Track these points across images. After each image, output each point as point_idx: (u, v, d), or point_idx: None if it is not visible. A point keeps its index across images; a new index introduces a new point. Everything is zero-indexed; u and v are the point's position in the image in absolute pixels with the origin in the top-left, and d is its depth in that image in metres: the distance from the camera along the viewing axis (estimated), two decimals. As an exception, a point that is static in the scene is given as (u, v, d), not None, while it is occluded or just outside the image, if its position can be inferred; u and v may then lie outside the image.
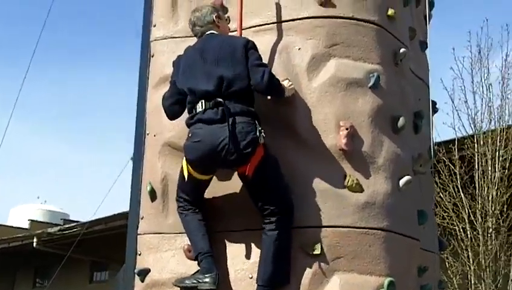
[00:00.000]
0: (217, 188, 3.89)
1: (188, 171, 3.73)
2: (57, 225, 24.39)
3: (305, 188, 3.75)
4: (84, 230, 16.64)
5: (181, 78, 3.82)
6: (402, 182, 3.91)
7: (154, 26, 4.50)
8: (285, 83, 3.84)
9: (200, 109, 3.66)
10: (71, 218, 27.77)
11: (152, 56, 4.46)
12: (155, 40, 4.47)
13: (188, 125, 3.74)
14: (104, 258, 21.33)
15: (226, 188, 3.88)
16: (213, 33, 3.89)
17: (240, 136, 3.54)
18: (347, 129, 3.80)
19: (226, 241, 3.84)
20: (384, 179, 3.83)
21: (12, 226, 26.81)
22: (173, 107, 3.90)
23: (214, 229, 3.82)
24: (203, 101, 3.65)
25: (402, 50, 4.23)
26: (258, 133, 3.57)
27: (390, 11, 4.21)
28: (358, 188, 3.75)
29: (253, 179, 3.59)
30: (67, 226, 20.15)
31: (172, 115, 3.95)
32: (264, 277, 3.58)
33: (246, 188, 3.72)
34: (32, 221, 27.06)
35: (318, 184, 3.76)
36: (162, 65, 4.36)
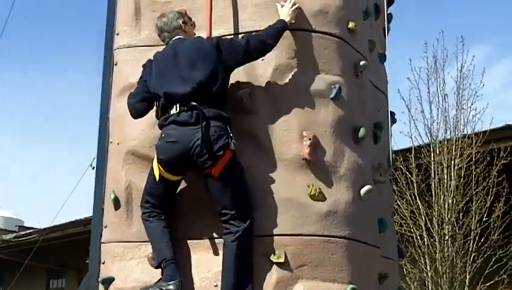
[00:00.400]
0: (183, 196, 3.92)
1: (159, 172, 3.76)
2: (11, 231, 23.94)
3: (269, 197, 3.81)
4: (42, 237, 16.43)
5: (154, 82, 3.86)
6: (363, 191, 4.00)
7: (118, 34, 4.51)
8: (285, 7, 3.97)
9: (175, 112, 3.72)
10: (25, 224, 27.25)
11: (115, 64, 4.47)
12: (118, 48, 4.48)
13: (161, 126, 3.79)
14: (60, 265, 21.04)
15: (192, 196, 3.90)
16: (181, 38, 3.95)
17: (212, 139, 3.62)
18: (310, 139, 3.88)
19: (190, 249, 3.86)
20: (345, 188, 3.92)
21: (-37, 233, 26.13)
22: (139, 104, 3.94)
23: (179, 237, 3.85)
24: (178, 104, 3.72)
25: (362, 62, 4.34)
26: (229, 139, 3.65)
27: (351, 24, 4.31)
28: (320, 197, 3.83)
29: (218, 180, 3.64)
30: (23, 233, 19.81)
31: (137, 112, 3.98)
32: (227, 287, 3.61)
33: (210, 192, 3.73)
34: (-15, 228, 26.44)
35: (282, 193, 3.82)
36: (126, 73, 4.37)
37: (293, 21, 4.00)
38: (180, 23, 3.99)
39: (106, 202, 4.23)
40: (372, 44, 4.76)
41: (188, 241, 3.87)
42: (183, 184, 3.93)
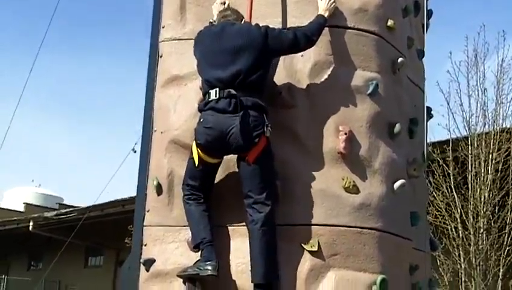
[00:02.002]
0: (222, 183, 4.09)
1: (198, 155, 3.94)
2: (51, 208, 24.58)
3: (304, 188, 3.96)
4: (84, 215, 16.89)
5: (200, 68, 4.05)
6: (396, 185, 4.13)
7: (163, 27, 4.68)
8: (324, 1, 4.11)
9: (214, 97, 3.85)
10: (65, 202, 27.91)
11: (161, 56, 4.64)
12: (163, 41, 4.66)
13: (200, 110, 3.96)
14: (98, 244, 21.56)
15: (231, 183, 4.05)
16: (230, 20, 4.09)
17: (249, 128, 3.77)
18: (346, 134, 4.01)
19: (228, 235, 4.03)
20: (379, 182, 4.05)
21: (7, 209, 26.92)
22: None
23: (217, 223, 4.02)
24: (217, 89, 3.86)
25: (400, 60, 4.44)
26: (265, 128, 3.80)
27: (390, 22, 4.41)
28: (354, 190, 3.97)
29: (251, 165, 3.80)
30: (64, 211, 20.32)
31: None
32: (259, 274, 3.75)
33: (240, 174, 3.89)
34: (27, 204, 27.18)
35: (317, 185, 3.97)
36: (170, 66, 4.55)
37: (330, 16, 4.12)
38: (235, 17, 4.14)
39: (149, 187, 4.43)
40: (410, 41, 4.85)
41: (226, 227, 4.04)
42: (222, 171, 4.09)
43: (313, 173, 4.01)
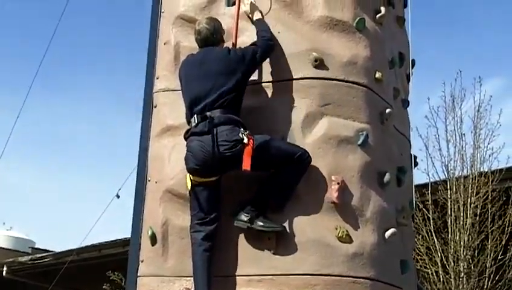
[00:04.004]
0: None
1: (191, 181, 4.08)
2: (24, 252, 24.12)
3: (298, 237, 4.03)
4: (59, 260, 16.61)
5: (183, 92, 4.28)
6: (388, 234, 4.22)
7: (157, 78, 4.79)
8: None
9: (194, 123, 4.07)
10: (37, 246, 27.41)
11: (155, 106, 4.74)
12: (158, 91, 4.75)
13: (185, 138, 4.16)
14: (75, 289, 21.17)
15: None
16: (210, 48, 4.29)
17: (224, 142, 3.95)
18: (338, 184, 4.11)
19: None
20: (371, 231, 4.14)
21: (-22, 253, 26.30)
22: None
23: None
24: (196, 115, 4.08)
25: (388, 110, 4.59)
26: (241, 135, 3.95)
27: (378, 74, 4.57)
28: (347, 239, 4.05)
29: (256, 168, 3.93)
30: (39, 255, 20.01)
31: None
32: (259, 199, 4.02)
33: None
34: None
35: (310, 234, 4.04)
36: (165, 116, 4.64)
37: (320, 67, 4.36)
38: (219, 38, 4.37)
39: (143, 237, 4.46)
40: (396, 91, 5.00)
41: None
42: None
43: (307, 222, 4.08)
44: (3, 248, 26.30)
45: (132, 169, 6.19)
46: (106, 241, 16.26)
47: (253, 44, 4.29)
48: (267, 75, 4.42)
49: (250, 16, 4.47)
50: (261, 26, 4.38)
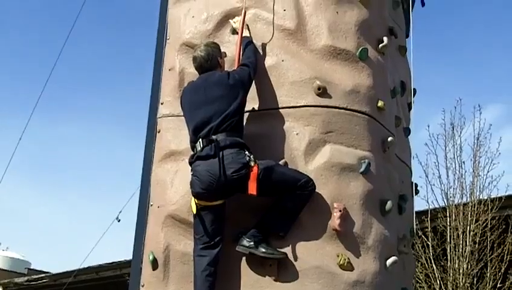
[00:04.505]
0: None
1: (196, 205, 4.09)
2: (20, 273, 23.99)
3: (300, 265, 4.04)
4: (55, 281, 16.51)
5: (186, 117, 4.32)
6: (389, 262, 4.23)
7: (162, 104, 4.83)
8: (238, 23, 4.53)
9: (199, 148, 4.08)
10: (33, 267, 27.27)
11: (158, 132, 4.77)
12: (162, 117, 4.79)
13: (190, 163, 4.16)
14: (71, 311, 21.00)
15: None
16: (211, 72, 4.35)
17: (231, 165, 3.97)
18: (341, 211, 4.13)
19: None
20: (373, 259, 4.15)
21: (-26, 273, 26.13)
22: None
23: None
24: (201, 140, 4.11)
25: (390, 139, 4.63)
26: (247, 158, 3.99)
27: (380, 103, 4.61)
28: (349, 267, 4.06)
29: (261, 193, 3.96)
30: (35, 276, 19.91)
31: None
32: (262, 225, 4.04)
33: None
34: (-5, 268, 26.48)
35: (312, 261, 4.05)
36: (168, 141, 4.68)
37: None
38: (219, 60, 4.43)
39: (144, 261, 4.47)
40: (398, 120, 5.05)
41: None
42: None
43: (308, 249, 4.09)
44: (0, 269, 26.17)
45: (133, 193, 6.25)
46: (104, 264, 16.20)
47: (243, 65, 4.36)
48: (270, 102, 4.46)
49: (238, 30, 4.54)
50: (249, 49, 4.46)
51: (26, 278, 20.33)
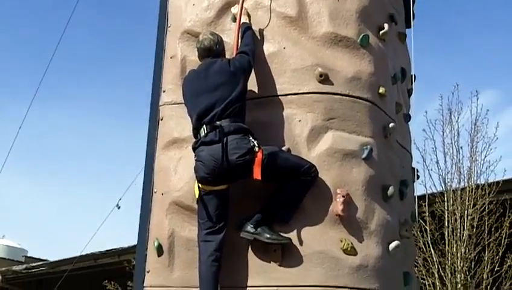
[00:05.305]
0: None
1: (199, 189, 4.15)
2: (17, 261, 24.06)
3: (304, 249, 4.09)
4: (53, 269, 16.55)
5: (189, 106, 4.35)
6: (391, 246, 4.29)
7: (164, 91, 4.86)
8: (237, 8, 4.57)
9: (203, 134, 4.13)
10: (29, 255, 27.34)
11: (161, 119, 4.80)
12: (164, 104, 4.82)
13: (194, 148, 4.21)
14: (69, 299, 21.08)
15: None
16: (213, 60, 4.39)
17: (236, 150, 4.02)
18: (343, 197, 4.18)
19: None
20: (375, 243, 4.21)
21: (-28, 261, 26.19)
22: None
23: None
24: (205, 125, 4.15)
25: (391, 124, 4.67)
26: (251, 144, 4.05)
27: (382, 89, 4.65)
28: (352, 252, 4.11)
29: (265, 178, 4.01)
30: (33, 264, 19.98)
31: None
32: (265, 211, 4.08)
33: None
34: (-7, 256, 26.52)
35: (316, 246, 4.11)
36: (170, 129, 4.71)
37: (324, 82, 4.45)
38: (221, 49, 4.49)
39: (149, 248, 4.51)
40: (398, 106, 5.09)
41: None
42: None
43: (312, 234, 4.14)
44: (-2, 257, 26.21)
45: (132, 180, 6.30)
46: (102, 251, 16.26)
47: (242, 52, 4.40)
48: (272, 90, 4.49)
49: (237, 18, 4.56)
50: (247, 36, 4.49)
51: (24, 266, 20.39)
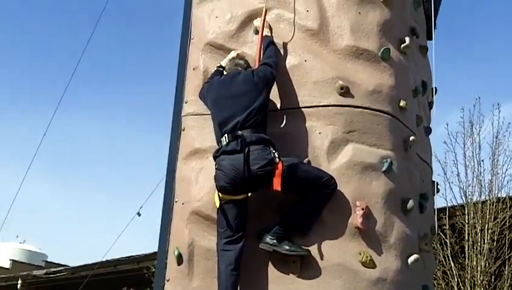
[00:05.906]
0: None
1: (219, 198, 4.18)
2: (37, 266, 24.27)
3: (323, 262, 4.11)
4: (73, 274, 16.65)
5: (213, 112, 4.41)
6: (410, 260, 4.30)
7: (186, 102, 4.91)
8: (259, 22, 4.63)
9: (225, 142, 4.17)
10: (50, 260, 27.56)
11: (183, 130, 4.86)
12: (186, 115, 4.88)
13: (214, 158, 4.25)
14: (88, 304, 21.18)
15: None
16: (238, 69, 4.47)
17: (257, 161, 4.05)
18: (363, 209, 4.20)
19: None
20: (394, 257, 4.22)
21: (-7, 265, 26.46)
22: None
23: None
24: (226, 134, 4.19)
25: (412, 138, 4.68)
26: (272, 155, 4.08)
27: (402, 103, 4.66)
28: (371, 265, 4.13)
29: (284, 189, 4.04)
30: (53, 269, 20.14)
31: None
32: (285, 223, 4.11)
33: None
34: (13, 261, 26.79)
35: (335, 258, 4.12)
36: (192, 139, 4.76)
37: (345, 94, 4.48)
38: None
39: (169, 257, 4.56)
40: (419, 119, 5.10)
41: None
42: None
43: (331, 246, 4.16)
44: (17, 261, 26.48)
45: (153, 189, 6.36)
46: (122, 257, 16.37)
47: (265, 64, 4.44)
48: (293, 102, 4.53)
49: (259, 30, 4.62)
50: (270, 49, 4.53)
51: (44, 271, 20.56)
